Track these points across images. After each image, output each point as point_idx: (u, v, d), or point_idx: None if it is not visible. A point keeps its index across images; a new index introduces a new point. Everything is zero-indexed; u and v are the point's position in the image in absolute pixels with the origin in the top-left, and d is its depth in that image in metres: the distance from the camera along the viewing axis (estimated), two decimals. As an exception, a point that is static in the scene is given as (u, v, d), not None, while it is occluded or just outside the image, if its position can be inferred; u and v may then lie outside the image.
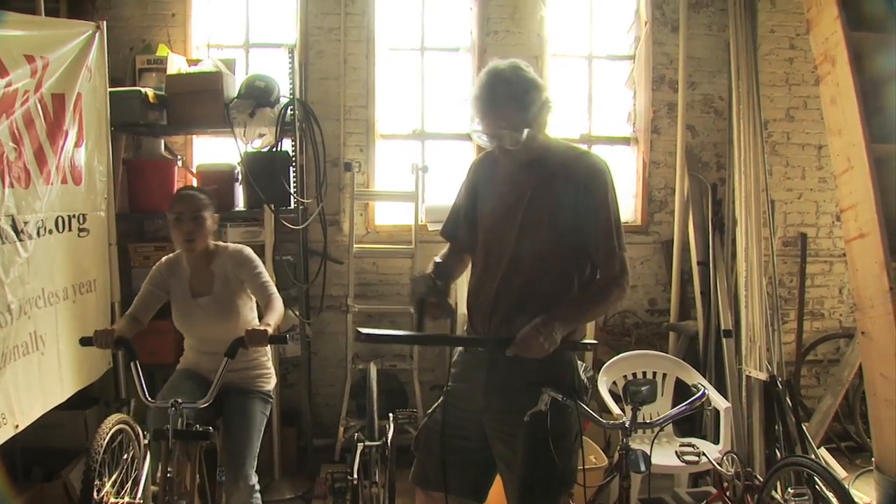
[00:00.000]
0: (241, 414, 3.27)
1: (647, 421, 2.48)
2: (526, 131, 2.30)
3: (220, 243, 3.42)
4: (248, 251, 3.38)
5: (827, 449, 4.69)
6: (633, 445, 2.48)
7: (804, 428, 4.30)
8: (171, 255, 3.45)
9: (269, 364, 3.51)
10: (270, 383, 3.49)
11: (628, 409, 2.51)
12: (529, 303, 2.35)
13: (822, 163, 5.39)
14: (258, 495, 3.19)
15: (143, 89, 4.30)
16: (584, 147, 2.55)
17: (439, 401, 2.62)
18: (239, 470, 3.12)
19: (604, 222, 2.35)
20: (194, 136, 5.07)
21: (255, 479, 3.17)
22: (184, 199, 3.28)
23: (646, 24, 5.29)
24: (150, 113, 4.35)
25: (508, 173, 2.50)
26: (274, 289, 3.32)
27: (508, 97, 2.29)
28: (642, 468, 2.39)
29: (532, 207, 2.40)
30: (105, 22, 3.84)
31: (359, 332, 2.22)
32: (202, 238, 3.27)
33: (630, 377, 4.23)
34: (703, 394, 2.45)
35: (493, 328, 2.45)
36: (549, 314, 2.26)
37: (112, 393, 4.12)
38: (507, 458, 2.43)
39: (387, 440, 3.77)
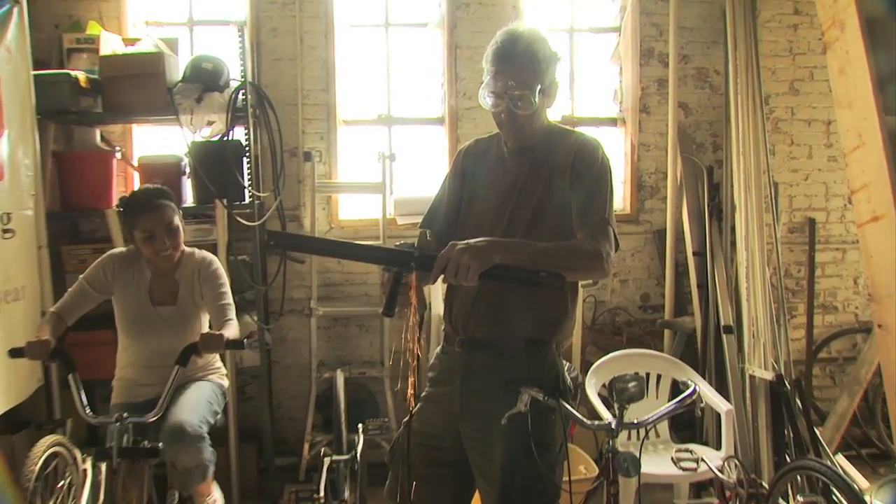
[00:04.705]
0: (189, 388, 3.27)
1: (636, 421, 2.48)
2: (538, 97, 2.32)
3: (186, 248, 3.40)
4: (217, 264, 3.40)
5: (846, 456, 4.66)
6: (623, 450, 2.48)
7: (817, 432, 4.30)
8: (122, 250, 3.40)
9: (219, 363, 3.54)
10: (223, 379, 3.50)
11: (616, 408, 2.52)
12: (514, 296, 2.33)
13: (830, 140, 5.41)
14: (210, 447, 3.11)
15: (72, 72, 4.25)
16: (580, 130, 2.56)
17: (415, 408, 2.59)
18: (185, 420, 3.03)
19: (590, 184, 2.35)
20: (134, 125, 5.04)
21: (204, 432, 3.09)
22: (153, 210, 3.21)
23: (632, -8, 5.31)
24: (83, 99, 4.30)
25: (500, 160, 2.51)
26: (233, 312, 3.31)
27: (528, 55, 2.31)
28: (631, 472, 2.39)
29: (522, 197, 2.41)
30: (26, -5, 3.80)
31: (268, 232, 2.14)
32: (179, 248, 3.30)
33: (620, 378, 4.24)
34: (694, 390, 2.44)
35: (472, 324, 2.44)
36: (496, 238, 2.19)
37: (45, 413, 4.05)
38: (484, 469, 2.41)
39: (356, 454, 3.79)
